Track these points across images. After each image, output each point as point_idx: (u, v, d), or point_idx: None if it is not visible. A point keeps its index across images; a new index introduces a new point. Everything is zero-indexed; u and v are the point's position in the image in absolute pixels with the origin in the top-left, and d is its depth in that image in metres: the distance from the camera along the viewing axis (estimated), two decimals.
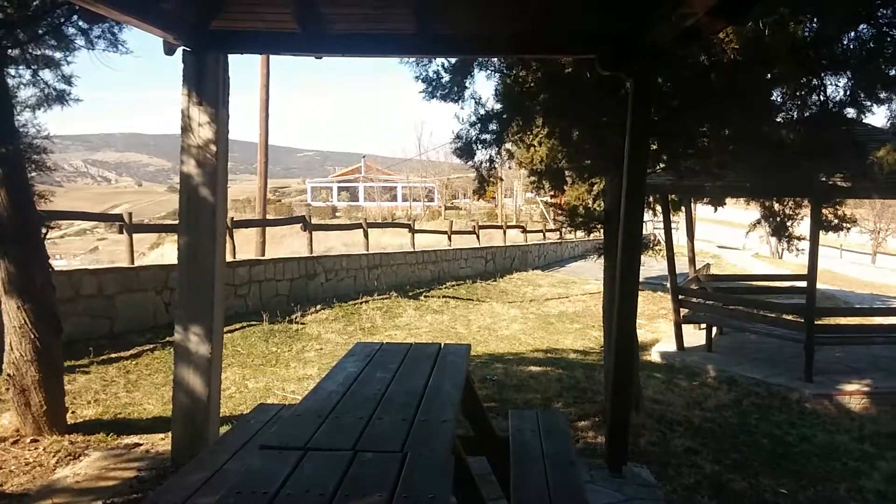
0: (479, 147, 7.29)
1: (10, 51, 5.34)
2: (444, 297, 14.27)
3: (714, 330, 10.49)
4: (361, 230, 15.13)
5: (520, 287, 17.42)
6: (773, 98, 6.17)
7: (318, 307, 11.34)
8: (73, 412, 5.59)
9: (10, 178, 5.05)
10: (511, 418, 4.00)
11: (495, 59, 6.85)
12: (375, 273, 14.16)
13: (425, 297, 13.94)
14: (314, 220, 14.29)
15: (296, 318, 10.42)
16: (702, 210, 22.64)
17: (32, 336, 5.00)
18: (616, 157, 5.23)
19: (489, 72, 7.16)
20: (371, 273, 14.03)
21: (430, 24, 4.51)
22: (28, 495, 4.11)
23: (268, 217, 17.58)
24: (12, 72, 5.52)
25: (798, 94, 6.09)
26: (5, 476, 4.38)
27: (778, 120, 6.28)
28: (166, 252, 19.44)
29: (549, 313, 13.87)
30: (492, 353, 9.48)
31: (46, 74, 5.84)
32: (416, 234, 16.86)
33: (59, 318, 5.28)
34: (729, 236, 32.70)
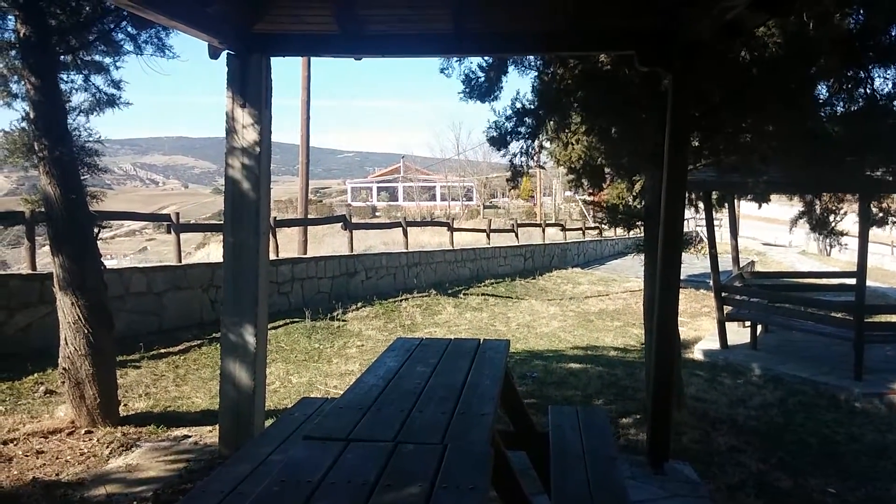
0: (514, 139, 7.28)
1: (62, 57, 5.55)
2: (482, 294, 14.28)
3: (759, 328, 10.28)
4: (401, 229, 15.24)
5: (559, 285, 17.32)
6: (818, 92, 6.03)
7: (359, 304, 11.47)
8: (125, 405, 5.79)
9: (64, 180, 5.26)
10: (551, 414, 4.01)
11: (532, 57, 6.84)
12: (415, 271, 14.25)
13: (464, 294, 13.98)
14: (354, 220, 14.45)
15: (337, 315, 10.57)
16: (746, 207, 22.16)
17: (86, 331, 5.20)
18: (656, 154, 5.18)
19: (525, 69, 7.16)
20: (410, 271, 14.13)
21: (467, 23, 4.54)
22: (83, 484, 4.27)
23: (309, 217, 17.84)
24: (65, 77, 5.74)
25: (844, 87, 5.93)
26: (62, 465, 4.57)
27: (822, 114, 6.13)
28: (212, 252, 19.88)
29: (589, 311, 13.76)
30: (531, 351, 9.47)
31: (97, 79, 6.06)
32: (454, 233, 16.90)
33: (111, 314, 5.48)
34: (774, 234, 31.87)
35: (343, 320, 10.45)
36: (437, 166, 56.32)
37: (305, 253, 14.36)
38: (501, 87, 7.05)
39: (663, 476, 4.51)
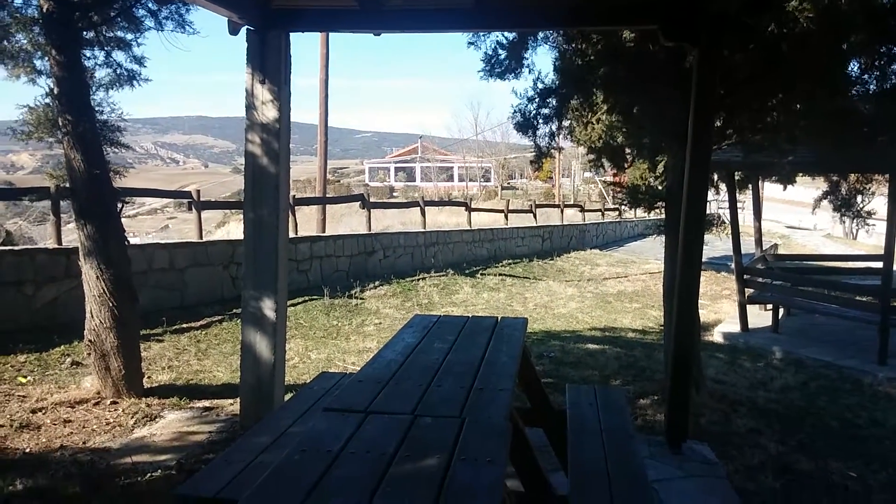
0: (539, 122, 7.23)
1: (84, 32, 5.57)
2: (500, 275, 14.28)
3: (781, 311, 10.18)
4: (418, 208, 15.24)
5: (577, 266, 17.26)
6: (849, 69, 5.88)
7: (377, 283, 11.53)
8: (149, 377, 5.89)
9: (87, 155, 5.32)
10: (568, 392, 4.01)
11: (554, 33, 6.75)
12: (432, 251, 14.27)
13: (482, 274, 13.98)
14: (372, 200, 14.47)
15: (355, 293, 10.64)
16: (770, 189, 21.86)
17: (111, 304, 5.28)
18: (679, 133, 5.11)
19: (547, 47, 7.07)
20: (428, 251, 14.15)
21: None
22: (109, 452, 4.37)
23: (327, 196, 17.88)
24: (87, 53, 5.77)
25: (877, 64, 5.79)
26: (88, 434, 4.67)
27: (853, 92, 5.99)
28: (231, 230, 20.04)
29: (608, 292, 13.71)
30: (549, 331, 9.47)
31: (119, 55, 6.09)
32: (472, 213, 16.87)
33: (134, 288, 5.56)
34: (798, 216, 31.42)
35: (361, 298, 10.51)
36: (455, 147, 56.10)
37: (324, 232, 14.42)
38: (523, 65, 6.97)
39: (681, 456, 4.51)
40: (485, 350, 3.38)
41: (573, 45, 6.87)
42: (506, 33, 6.52)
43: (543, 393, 3.90)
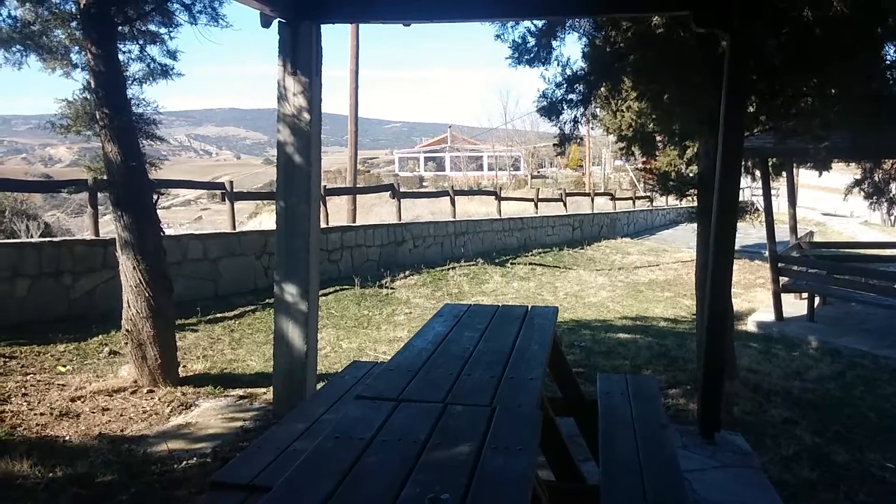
0: (565, 107, 7.18)
1: (120, 27, 5.67)
2: (530, 264, 14.23)
3: (816, 300, 9.98)
4: (448, 198, 15.24)
5: (608, 255, 17.11)
6: (885, 53, 5.72)
7: (407, 273, 11.57)
8: (184, 366, 6.01)
9: (124, 148, 5.43)
10: (599, 381, 3.99)
11: (583, 21, 6.68)
12: (462, 240, 14.27)
13: (511, 263, 13.95)
14: (402, 189, 14.52)
15: (385, 282, 10.70)
16: (805, 176, 21.37)
17: (147, 294, 5.39)
18: (711, 119, 5.03)
19: (577, 33, 7.01)
20: (458, 240, 14.16)
21: None
22: (146, 440, 4.48)
23: (357, 186, 17.98)
24: (122, 47, 5.87)
25: None
26: (126, 422, 4.79)
27: (889, 76, 5.83)
28: (264, 221, 20.29)
29: (639, 281, 13.58)
30: (579, 320, 9.42)
31: (153, 50, 6.19)
32: (502, 202, 16.82)
33: (170, 279, 5.68)
34: (834, 203, 30.66)
35: (391, 288, 10.57)
36: (485, 136, 55.88)
37: (354, 221, 14.52)
38: (552, 52, 6.92)
39: (714, 446, 4.47)
40: (515, 339, 3.38)
41: (602, 33, 6.80)
42: (534, 21, 6.48)
43: (574, 382, 3.89)
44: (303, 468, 2.05)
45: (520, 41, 6.81)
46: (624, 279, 13.75)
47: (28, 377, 5.48)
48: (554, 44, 6.91)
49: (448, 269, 12.34)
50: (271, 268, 9.39)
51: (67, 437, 4.46)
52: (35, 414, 4.76)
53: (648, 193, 28.95)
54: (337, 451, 2.14)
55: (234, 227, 10.14)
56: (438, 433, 2.25)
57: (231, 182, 10.55)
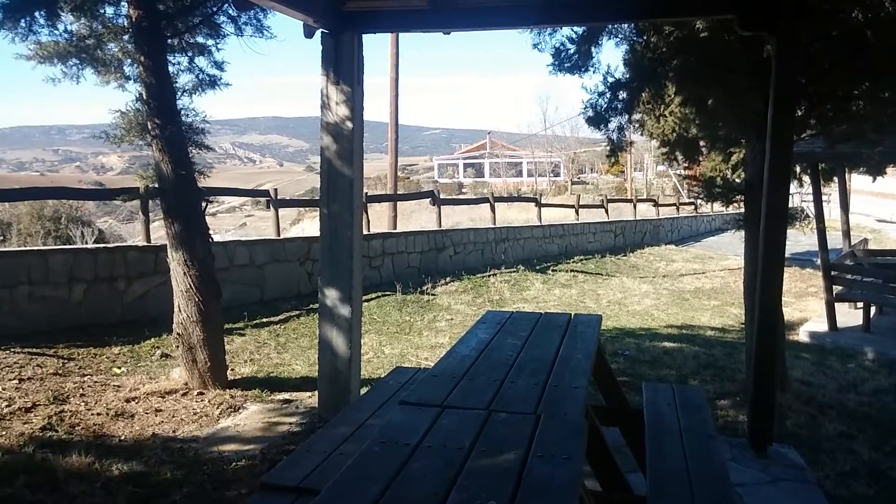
0: (610, 116, 7.15)
1: (169, 40, 5.85)
2: (571, 271, 14.11)
3: (872, 309, 9.65)
4: (488, 204, 15.23)
5: (651, 262, 16.86)
6: None
7: (447, 279, 11.60)
8: (232, 369, 6.13)
9: (174, 157, 5.59)
10: (645, 391, 3.94)
11: (625, 26, 6.64)
12: (502, 247, 14.25)
13: (552, 270, 13.85)
14: (441, 196, 14.57)
15: (426, 289, 10.74)
16: (858, 181, 20.69)
17: (197, 299, 5.53)
18: (758, 124, 4.94)
19: (617, 39, 6.97)
20: (498, 247, 14.13)
21: None
22: (196, 441, 4.59)
23: (398, 193, 18.10)
24: (172, 59, 6.05)
25: None
26: (177, 423, 4.92)
27: None
28: (306, 227, 20.59)
29: (684, 289, 13.35)
30: (622, 328, 9.31)
31: (201, 61, 6.36)
32: (542, 209, 16.73)
33: (218, 284, 5.81)
34: (891, 209, 29.65)
35: (432, 294, 10.61)
36: (524, 142, 55.74)
37: (395, 228, 14.62)
38: (592, 59, 6.89)
39: (766, 459, 4.36)
40: (558, 347, 3.36)
41: (644, 38, 6.76)
42: (574, 28, 6.46)
43: (619, 391, 3.85)
44: (350, 472, 2.08)
45: (560, 48, 6.80)
46: (668, 287, 13.53)
47: (85, 378, 5.66)
48: (593, 50, 6.88)
49: (488, 276, 12.33)
50: (315, 273, 9.52)
51: (123, 437, 4.60)
52: (92, 414, 4.92)
53: (692, 200, 28.45)
54: (383, 456, 2.16)
55: (278, 234, 10.31)
56: (483, 440, 2.26)
57: (276, 190, 10.73)
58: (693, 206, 27.44)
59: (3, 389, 5.16)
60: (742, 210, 6.44)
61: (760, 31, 4.18)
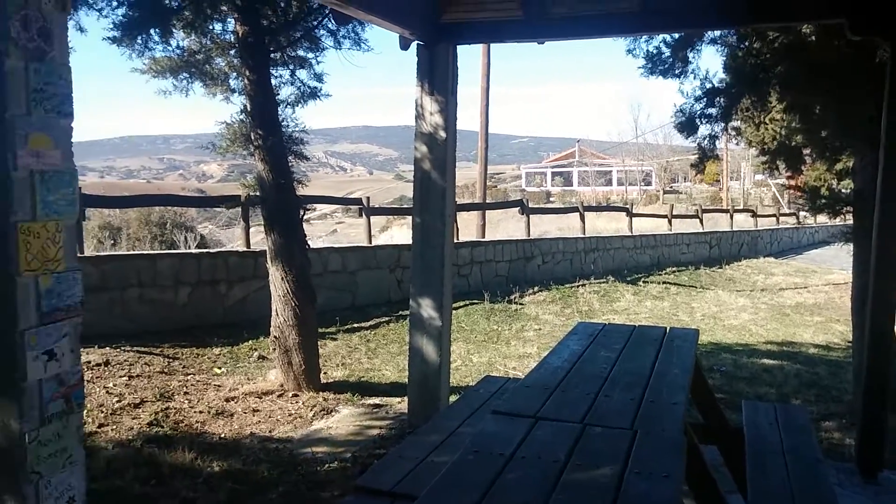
0: (703, 122, 6.95)
1: (272, 54, 6.13)
2: (664, 283, 13.71)
3: None
4: (575, 214, 15.04)
5: (749, 275, 16.15)
6: None
7: (535, 289, 11.53)
8: (325, 373, 6.33)
9: (275, 167, 5.84)
10: (745, 409, 3.79)
11: (724, 31, 6.45)
12: (592, 257, 14.02)
13: (644, 282, 13.51)
14: (529, 205, 14.51)
15: (514, 298, 10.71)
16: None
17: (293, 304, 5.75)
18: (869, 132, 4.66)
19: (717, 45, 6.77)
20: (587, 257, 13.92)
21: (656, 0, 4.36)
22: (291, 441, 4.76)
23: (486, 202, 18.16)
24: (274, 72, 6.34)
25: None
26: (274, 423, 5.12)
27: None
28: (395, 235, 20.95)
29: (784, 304, 12.71)
30: (718, 343, 8.96)
31: (301, 73, 6.63)
32: (633, 218, 16.36)
33: (313, 290, 6.02)
34: None
35: (520, 303, 10.57)
36: (614, 150, 54.64)
37: (483, 237, 14.66)
38: (688, 64, 6.72)
39: (877, 486, 4.08)
40: (654, 361, 3.29)
41: (745, 43, 6.53)
42: (671, 34, 6.33)
43: (718, 408, 3.72)
44: (446, 480, 2.11)
45: (654, 52, 6.66)
46: (767, 301, 12.92)
47: (189, 377, 5.99)
48: (690, 55, 6.71)
49: (577, 286, 12.16)
50: (404, 281, 9.69)
51: (223, 435, 4.83)
52: (195, 411, 5.20)
53: (794, 210, 27.10)
54: (477, 466, 2.18)
55: (370, 241, 10.56)
56: (578, 454, 2.24)
57: (368, 198, 11.02)
58: (794, 217, 26.12)
59: (115, 386, 5.52)
60: (850, 221, 6.10)
61: (873, 36, 3.95)
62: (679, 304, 11.95)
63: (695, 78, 6.62)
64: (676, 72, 6.68)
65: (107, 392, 5.33)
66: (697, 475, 2.71)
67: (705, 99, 6.83)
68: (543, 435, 2.41)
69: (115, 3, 5.42)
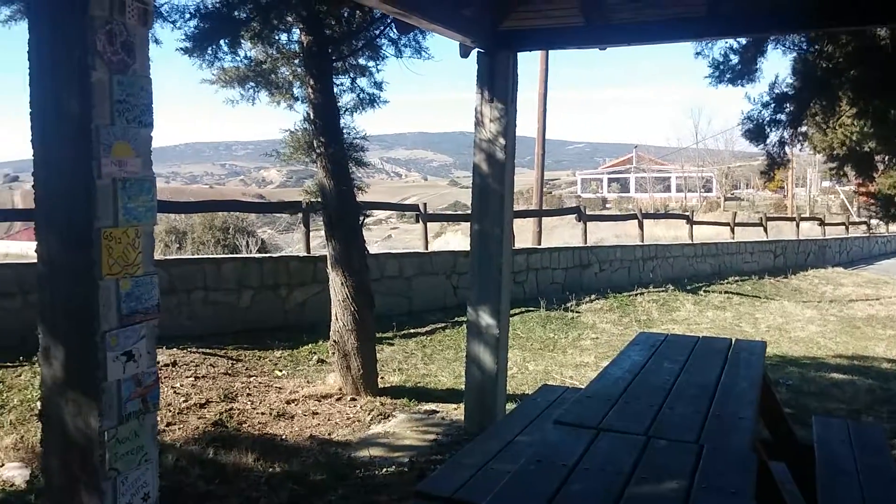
0: (772, 129, 6.77)
1: (334, 63, 6.24)
2: (726, 292, 13.34)
3: None
4: (633, 221, 14.79)
5: (816, 285, 15.55)
6: None
7: (592, 297, 11.37)
8: (382, 378, 6.39)
9: (336, 173, 5.95)
10: (815, 425, 3.66)
11: (794, 35, 6.26)
12: (650, 265, 13.75)
13: (705, 291, 13.17)
14: (587, 212, 14.35)
15: (570, 306, 10.60)
16: None
17: (352, 309, 5.84)
18: None
19: (784, 49, 6.58)
20: (645, 265, 13.66)
21: (723, 3, 4.26)
22: (350, 445, 4.83)
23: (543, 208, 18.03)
24: (336, 81, 6.45)
25: None
26: (332, 426, 5.20)
27: None
28: (449, 241, 21.02)
29: (855, 316, 12.18)
30: (784, 356, 8.66)
31: (362, 81, 6.73)
32: (693, 226, 15.98)
33: (372, 295, 6.10)
34: None
35: (577, 312, 10.45)
36: (673, 156, 53.46)
37: (540, 243, 14.55)
38: (756, 69, 6.54)
39: None
40: (720, 374, 3.21)
41: (815, 47, 6.34)
42: (738, 38, 6.18)
43: (787, 424, 3.60)
44: (509, 489, 2.11)
45: (720, 59, 6.51)
46: (836, 313, 12.41)
47: (251, 379, 6.14)
48: (758, 60, 6.54)
49: (636, 295, 11.95)
50: (460, 287, 9.71)
51: (283, 437, 4.93)
52: (257, 413, 5.32)
53: (864, 219, 26.00)
54: (541, 475, 2.17)
55: (426, 247, 10.61)
56: (643, 467, 2.20)
57: (425, 204, 11.08)
58: (866, 226, 25.05)
59: (182, 386, 5.70)
60: None
61: None
62: (742, 315, 11.60)
63: (761, 83, 6.45)
64: (744, 79, 6.51)
65: (174, 392, 5.51)
66: (767, 492, 2.62)
67: (774, 104, 6.65)
68: (606, 446, 2.38)
69: (187, 16, 5.62)
